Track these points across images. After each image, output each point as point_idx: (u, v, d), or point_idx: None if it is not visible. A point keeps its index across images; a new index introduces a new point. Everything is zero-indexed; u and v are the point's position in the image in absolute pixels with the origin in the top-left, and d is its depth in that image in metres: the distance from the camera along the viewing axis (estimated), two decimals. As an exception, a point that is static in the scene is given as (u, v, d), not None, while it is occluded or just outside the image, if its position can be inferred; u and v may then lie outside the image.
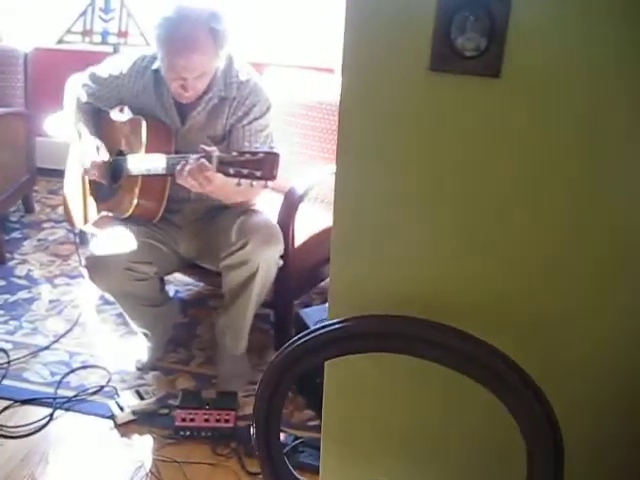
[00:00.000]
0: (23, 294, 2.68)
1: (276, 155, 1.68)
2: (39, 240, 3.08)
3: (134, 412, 2.06)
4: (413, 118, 1.00)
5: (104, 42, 2.76)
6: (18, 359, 2.31)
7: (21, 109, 3.03)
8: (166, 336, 2.32)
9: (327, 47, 3.19)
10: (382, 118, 1.01)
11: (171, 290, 2.66)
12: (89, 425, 2.06)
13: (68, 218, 2.43)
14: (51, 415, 2.08)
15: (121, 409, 2.06)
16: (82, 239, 3.03)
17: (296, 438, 1.95)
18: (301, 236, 2.25)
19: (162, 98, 2.09)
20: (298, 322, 2.13)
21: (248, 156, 1.70)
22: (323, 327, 1.00)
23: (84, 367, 2.29)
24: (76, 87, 2.26)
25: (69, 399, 2.14)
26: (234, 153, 1.73)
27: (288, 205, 2.15)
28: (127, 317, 2.23)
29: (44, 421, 2.06)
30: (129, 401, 2.08)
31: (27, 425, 2.03)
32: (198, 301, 2.68)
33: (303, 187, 2.19)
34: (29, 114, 3.08)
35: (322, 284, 2.55)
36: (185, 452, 1.95)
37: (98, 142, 2.17)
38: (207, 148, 1.79)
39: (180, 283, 2.75)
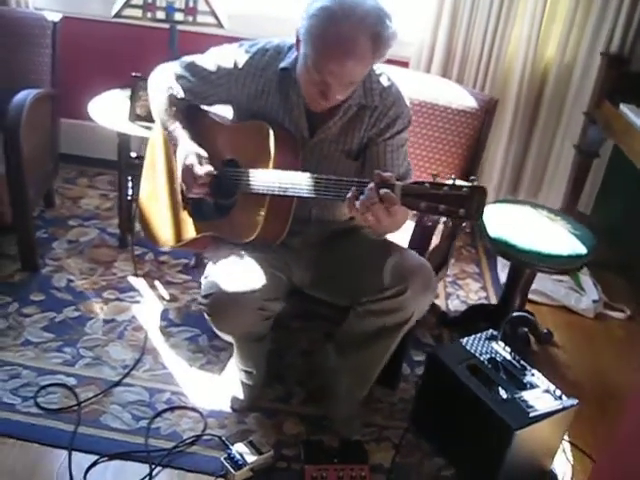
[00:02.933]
0: (70, 312, 2.29)
1: (484, 190, 1.40)
2: (70, 242, 2.66)
3: (253, 469, 1.78)
4: None
5: (168, 19, 2.35)
6: (89, 399, 1.96)
7: (48, 89, 2.57)
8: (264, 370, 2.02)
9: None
10: None
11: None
12: (198, 485, 1.77)
13: (148, 234, 2.04)
14: (150, 474, 1.76)
15: (238, 466, 1.77)
16: (122, 242, 2.67)
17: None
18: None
19: (289, 102, 1.75)
20: (434, 363, 1.89)
21: (446, 189, 1.40)
22: None
23: (171, 409, 1.97)
24: (168, 79, 1.87)
25: (168, 452, 1.82)
26: (426, 184, 1.43)
27: (424, 230, 1.89)
28: (236, 356, 1.91)
29: (144, 482, 1.75)
30: (246, 456, 1.78)
31: (126, 489, 1.72)
32: (278, 322, 2.35)
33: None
34: (56, 94, 2.63)
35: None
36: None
37: (201, 151, 1.79)
38: (384, 174, 1.47)
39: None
